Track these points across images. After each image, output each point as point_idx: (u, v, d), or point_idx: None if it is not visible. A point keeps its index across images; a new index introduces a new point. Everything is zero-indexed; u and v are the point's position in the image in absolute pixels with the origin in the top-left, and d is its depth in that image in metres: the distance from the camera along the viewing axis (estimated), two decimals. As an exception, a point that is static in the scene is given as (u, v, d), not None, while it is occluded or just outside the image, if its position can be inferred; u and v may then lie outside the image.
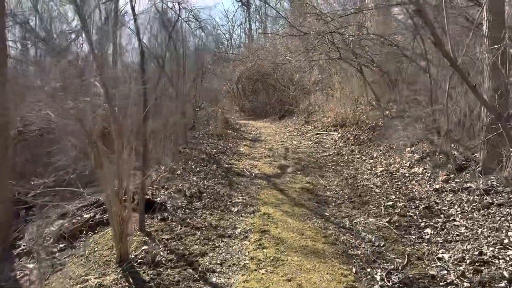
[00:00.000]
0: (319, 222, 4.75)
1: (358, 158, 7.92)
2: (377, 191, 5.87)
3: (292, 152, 9.05)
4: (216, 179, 6.48)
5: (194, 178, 6.32)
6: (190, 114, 11.05)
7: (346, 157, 8.15)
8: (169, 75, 9.42)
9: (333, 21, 9.04)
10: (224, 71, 19.80)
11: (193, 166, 7.04)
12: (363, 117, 10.34)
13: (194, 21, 12.00)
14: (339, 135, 10.25)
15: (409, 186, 5.88)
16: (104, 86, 3.54)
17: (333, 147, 9.32)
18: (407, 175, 6.31)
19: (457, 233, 4.23)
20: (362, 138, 9.12)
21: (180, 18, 10.40)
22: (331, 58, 10.51)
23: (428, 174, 5.92)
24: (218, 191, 5.86)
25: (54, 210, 5.29)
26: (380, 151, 7.88)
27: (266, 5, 25.55)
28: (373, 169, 6.99)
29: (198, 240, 4.11)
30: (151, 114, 8.84)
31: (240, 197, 5.69)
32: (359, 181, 6.51)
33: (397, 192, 5.68)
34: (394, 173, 6.55)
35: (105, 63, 3.75)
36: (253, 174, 7.00)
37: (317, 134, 11.31)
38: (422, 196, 5.37)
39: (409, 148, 7.30)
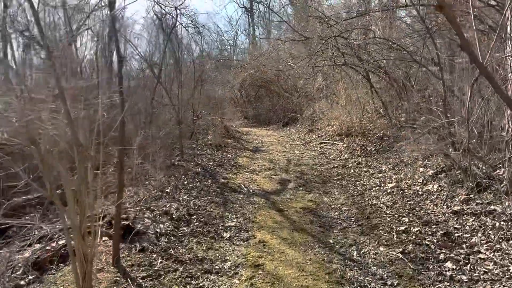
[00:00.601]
0: (322, 252, 4.09)
1: (365, 171, 7.25)
2: (388, 212, 5.20)
3: (295, 164, 8.41)
4: (209, 197, 5.85)
5: (185, 197, 5.69)
6: (188, 123, 10.46)
7: (352, 170, 7.49)
8: (165, 83, 8.85)
9: (337, 25, 8.42)
10: (227, 77, 19.27)
11: (185, 182, 6.42)
12: (370, 126, 9.68)
13: (192, 26, 11.46)
14: (344, 145, 9.59)
15: (423, 206, 5.20)
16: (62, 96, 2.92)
17: (338, 158, 8.66)
18: (420, 193, 5.63)
19: (484, 269, 3.56)
20: (369, 149, 8.45)
21: (177, 22, 9.86)
22: (335, 64, 9.89)
23: (445, 193, 5.24)
24: (210, 213, 5.22)
25: (32, 233, 4.73)
26: (389, 164, 7.21)
27: (270, 11, 25.04)
28: (382, 185, 6.32)
29: (179, 279, 3.47)
30: (146, 124, 8.27)
31: (234, 220, 5.05)
32: (367, 199, 5.85)
33: (410, 214, 5.00)
34: (406, 191, 5.88)
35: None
36: (251, 191, 6.37)
37: (321, 143, 10.66)
38: (439, 220, 4.69)
39: (421, 162, 6.63)
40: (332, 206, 5.68)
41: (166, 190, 5.80)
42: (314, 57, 9.92)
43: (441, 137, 6.06)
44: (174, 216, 4.82)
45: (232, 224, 4.88)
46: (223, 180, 6.93)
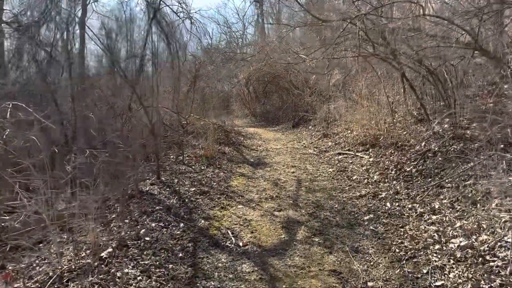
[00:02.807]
0: None
1: (409, 209, 4.84)
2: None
3: (307, 188, 6.05)
4: (170, 266, 3.53)
5: (131, 270, 3.38)
6: (177, 130, 8.16)
7: (389, 204, 5.09)
8: (133, 85, 6.55)
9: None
10: (234, 72, 16.90)
11: (142, 231, 4.11)
12: (404, 135, 7.24)
13: (183, 11, 9.12)
14: (370, 159, 7.17)
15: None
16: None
17: (365, 180, 6.25)
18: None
19: None
20: (407, 169, 6.02)
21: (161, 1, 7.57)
22: (359, 55, 7.43)
23: None
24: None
25: None
26: (445, 198, 4.79)
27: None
28: (443, 239, 3.92)
29: None
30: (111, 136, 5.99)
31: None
32: (424, 271, 3.47)
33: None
34: (487, 256, 3.47)
35: None
36: (240, 246, 4.03)
37: (339, 154, 8.26)
38: None
39: (497, 201, 4.21)
40: (370, 283, 3.32)
41: (103, 255, 3.49)
42: (332, 46, 7.46)
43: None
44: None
45: None
46: (203, 221, 4.61)
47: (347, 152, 8.16)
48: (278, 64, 13.73)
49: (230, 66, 14.09)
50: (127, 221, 4.36)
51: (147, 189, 5.62)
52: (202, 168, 7.11)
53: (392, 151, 6.90)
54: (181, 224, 4.40)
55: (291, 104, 14.87)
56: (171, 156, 7.80)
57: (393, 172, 6.14)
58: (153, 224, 4.32)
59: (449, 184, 5.10)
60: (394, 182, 5.81)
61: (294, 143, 10.49)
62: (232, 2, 51.40)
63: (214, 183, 6.19)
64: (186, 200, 5.23)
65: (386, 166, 6.45)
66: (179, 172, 6.68)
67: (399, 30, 6.01)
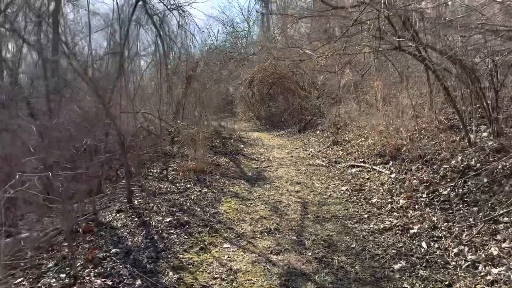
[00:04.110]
0: None
1: (455, 254, 3.45)
2: None
3: (314, 215, 4.69)
4: None
5: None
6: (162, 139, 6.86)
7: (424, 246, 3.70)
8: (95, 86, 5.26)
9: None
10: (235, 73, 15.61)
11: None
12: (433, 145, 5.84)
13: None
14: (392, 175, 5.78)
15: None
16: None
17: (388, 206, 4.85)
18: None
19: None
20: (443, 192, 4.63)
21: None
22: (376, 50, 6.03)
23: None
24: None
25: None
26: (504, 241, 3.40)
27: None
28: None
29: None
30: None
31: None
32: None
33: None
34: None
35: None
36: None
37: (352, 166, 6.88)
38: None
39: None
40: None
41: None
42: (343, 37, 6.08)
43: None
44: None
45: None
46: (171, 274, 3.27)
47: (362, 164, 6.77)
48: (283, 64, 12.37)
49: (229, 65, 12.74)
50: (64, 275, 3.06)
51: (110, 218, 4.32)
52: (188, 186, 5.79)
53: (419, 166, 5.50)
54: (138, 282, 3.07)
55: (297, 106, 13.51)
56: (155, 170, 6.50)
57: (424, 195, 4.74)
58: (98, 282, 3.00)
59: (506, 218, 3.71)
60: (428, 209, 4.42)
61: (300, 151, 9.12)
62: (236, 1, 50.22)
63: (199, 209, 4.85)
64: (156, 237, 3.91)
65: (413, 186, 5.05)
66: (159, 192, 5.37)
67: (434, 19, 4.62)
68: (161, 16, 7.34)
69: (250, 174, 6.92)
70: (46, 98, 6.37)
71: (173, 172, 6.39)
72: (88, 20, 6.56)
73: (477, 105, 6.12)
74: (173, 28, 8.42)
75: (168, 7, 7.57)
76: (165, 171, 6.27)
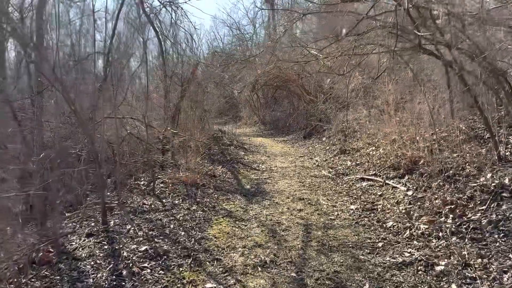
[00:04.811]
0: None
1: (500, 308, 2.69)
2: None
3: (319, 243, 3.92)
4: None
5: None
6: (151, 148, 6.15)
7: (456, 289, 2.94)
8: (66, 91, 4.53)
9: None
10: (238, 76, 14.92)
11: None
12: (456, 158, 5.04)
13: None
14: (408, 192, 5.00)
15: None
16: None
17: (407, 231, 4.07)
18: None
19: None
20: (473, 217, 3.85)
21: None
22: (392, 50, 5.25)
23: None
24: None
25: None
26: None
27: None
28: None
29: None
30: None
31: None
32: None
33: None
34: None
35: None
36: None
37: (362, 179, 6.12)
38: None
39: None
40: None
41: None
42: (352, 37, 5.33)
43: None
44: None
45: None
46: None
47: (373, 177, 6.00)
48: (287, 66, 11.62)
49: (231, 68, 12.04)
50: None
51: (77, 245, 3.61)
52: (176, 202, 5.07)
53: (441, 183, 4.72)
54: None
55: (303, 111, 12.75)
56: (142, 183, 5.79)
57: (449, 220, 3.96)
58: None
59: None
60: (455, 239, 3.64)
61: (305, 160, 8.37)
62: (241, 4, 49.79)
63: (183, 233, 4.12)
64: (124, 273, 3.18)
65: (436, 208, 4.27)
66: (141, 210, 4.66)
67: (462, 14, 3.85)
68: (156, 13, 6.65)
69: (248, 187, 6.18)
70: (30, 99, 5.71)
71: (162, 185, 5.67)
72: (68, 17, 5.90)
73: (504, 113, 5.35)
74: (173, 29, 7.79)
75: (163, 2, 6.88)
76: (152, 184, 5.56)
